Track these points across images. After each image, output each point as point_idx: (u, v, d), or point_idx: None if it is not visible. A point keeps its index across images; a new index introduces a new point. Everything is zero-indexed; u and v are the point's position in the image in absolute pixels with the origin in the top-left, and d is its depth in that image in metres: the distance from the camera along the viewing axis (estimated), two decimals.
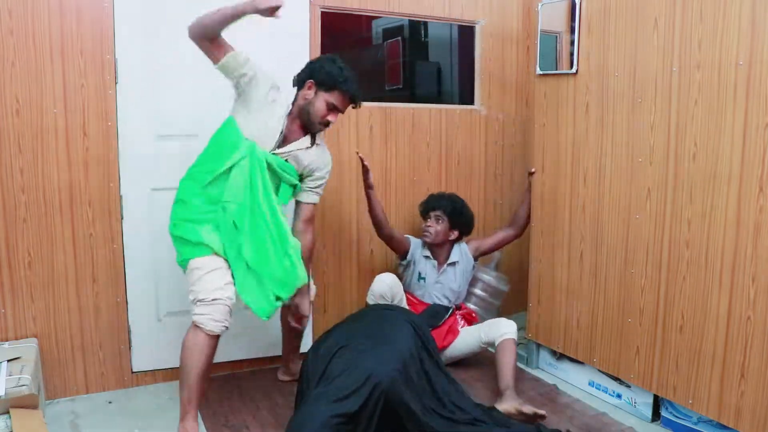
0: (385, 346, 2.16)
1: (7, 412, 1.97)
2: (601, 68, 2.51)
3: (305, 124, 2.30)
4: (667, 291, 2.29)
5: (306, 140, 2.32)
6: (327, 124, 2.29)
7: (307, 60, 2.76)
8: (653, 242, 2.33)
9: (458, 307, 2.95)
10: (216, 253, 2.16)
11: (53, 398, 2.51)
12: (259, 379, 2.80)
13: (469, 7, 3.17)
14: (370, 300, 2.77)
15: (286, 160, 2.28)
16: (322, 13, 2.84)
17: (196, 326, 2.07)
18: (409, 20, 3.98)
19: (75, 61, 2.39)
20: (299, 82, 2.30)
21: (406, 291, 2.94)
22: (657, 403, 2.44)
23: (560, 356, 2.85)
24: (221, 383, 2.74)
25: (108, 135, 2.48)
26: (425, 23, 4.09)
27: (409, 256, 2.96)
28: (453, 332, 2.84)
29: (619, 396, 2.58)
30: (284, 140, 2.28)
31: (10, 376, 2.05)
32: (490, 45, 3.25)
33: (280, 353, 2.84)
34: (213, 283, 2.09)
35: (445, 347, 2.79)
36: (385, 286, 2.71)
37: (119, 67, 2.47)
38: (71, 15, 2.36)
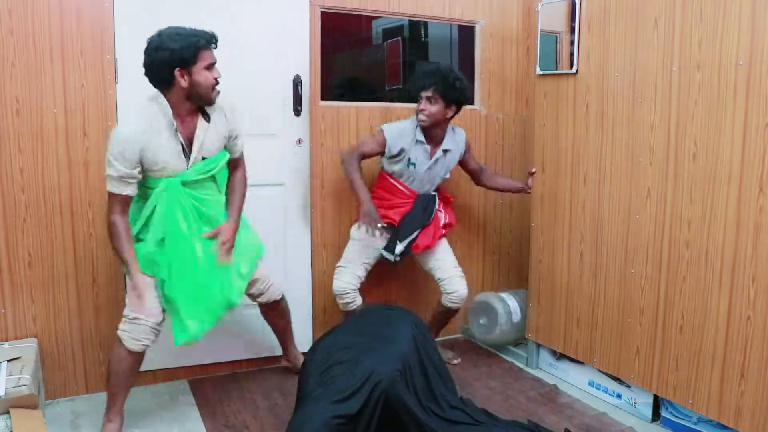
0: (385, 346, 2.16)
1: (7, 412, 1.97)
2: (601, 68, 2.51)
3: (200, 105, 2.11)
4: (667, 291, 2.29)
5: (202, 123, 2.12)
6: (217, 83, 2.07)
7: (307, 59, 2.78)
8: (653, 242, 2.33)
9: (436, 189, 2.85)
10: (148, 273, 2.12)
11: (53, 398, 2.51)
12: (259, 379, 2.80)
13: (469, 7, 3.17)
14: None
15: (203, 158, 2.14)
16: (322, 13, 2.84)
17: (119, 340, 2.12)
18: (409, 20, 3.98)
19: (75, 61, 2.39)
20: (161, 81, 2.03)
21: (389, 175, 2.76)
22: (657, 403, 2.44)
23: (560, 356, 2.84)
24: (221, 383, 2.75)
25: (108, 135, 2.48)
26: (425, 23, 4.08)
27: (389, 150, 2.68)
28: (437, 229, 2.79)
29: (619, 396, 2.57)
30: (188, 143, 2.11)
31: (10, 376, 2.05)
32: (490, 45, 3.25)
33: (280, 353, 2.84)
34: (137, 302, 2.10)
35: (429, 247, 2.76)
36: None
37: (119, 67, 2.47)
38: (71, 15, 2.36)
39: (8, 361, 2.15)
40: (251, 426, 2.38)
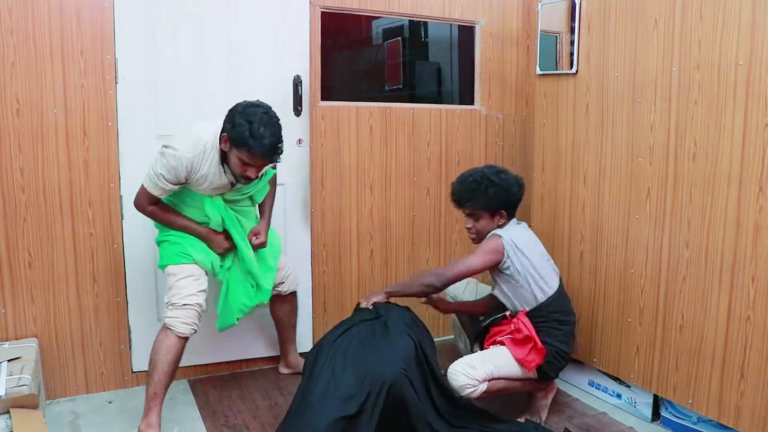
0: (387, 345, 2.15)
1: (8, 412, 1.97)
2: (601, 68, 2.51)
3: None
4: (667, 291, 2.29)
5: None
6: (248, 179, 2.16)
7: (307, 59, 2.78)
8: (653, 242, 2.33)
9: (510, 315, 2.35)
10: (195, 263, 2.28)
11: (53, 398, 2.51)
12: (259, 379, 2.80)
13: (469, 7, 3.17)
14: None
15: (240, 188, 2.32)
16: (322, 13, 2.84)
17: (166, 328, 2.21)
18: (409, 20, 3.98)
19: (75, 61, 2.39)
20: (223, 128, 2.14)
21: None
22: (657, 403, 2.44)
23: None
24: (221, 383, 2.75)
25: (108, 135, 2.48)
26: (425, 23, 4.09)
27: None
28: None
29: (619, 396, 2.58)
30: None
31: (10, 376, 2.05)
32: (490, 45, 3.25)
33: (280, 353, 2.84)
34: (186, 289, 2.23)
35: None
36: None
37: (119, 67, 2.47)
38: (71, 15, 2.36)
39: (8, 361, 2.15)
40: (251, 426, 2.38)
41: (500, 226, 2.37)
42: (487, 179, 2.33)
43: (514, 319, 2.31)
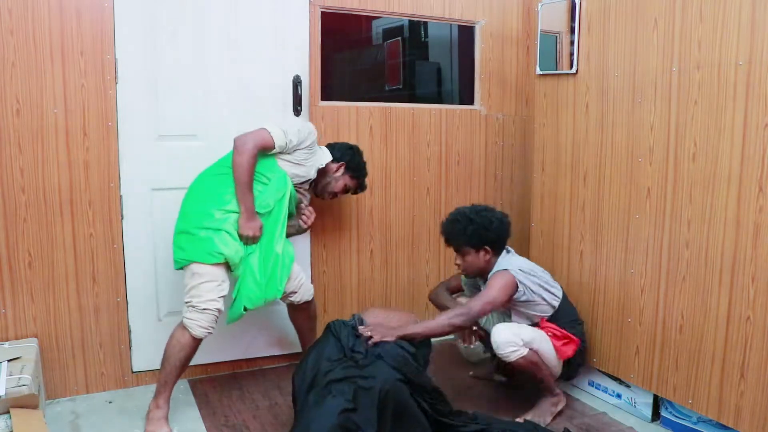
0: (383, 352, 2.15)
1: (8, 412, 1.97)
2: (601, 68, 2.51)
3: (316, 184, 2.64)
4: (667, 291, 2.29)
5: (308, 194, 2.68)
6: (335, 196, 2.70)
7: (306, 59, 2.78)
8: (653, 242, 2.33)
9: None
10: (223, 263, 2.28)
11: (53, 398, 2.51)
12: (259, 379, 2.80)
13: (469, 7, 3.17)
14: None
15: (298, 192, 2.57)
16: (322, 13, 2.84)
17: (183, 327, 2.27)
18: (409, 20, 3.98)
19: (75, 61, 2.39)
20: (335, 157, 2.63)
21: None
22: (657, 403, 2.44)
23: None
24: (221, 383, 2.75)
25: (108, 135, 2.48)
26: (425, 23, 4.09)
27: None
28: None
29: (619, 396, 2.58)
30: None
31: (10, 376, 2.05)
32: (490, 45, 3.25)
33: (281, 353, 2.87)
34: (208, 293, 2.26)
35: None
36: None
37: (119, 67, 2.47)
38: (71, 15, 2.36)
39: (8, 361, 2.15)
40: (251, 426, 2.38)
41: (487, 262, 2.45)
42: (466, 218, 2.43)
43: (542, 330, 2.42)
